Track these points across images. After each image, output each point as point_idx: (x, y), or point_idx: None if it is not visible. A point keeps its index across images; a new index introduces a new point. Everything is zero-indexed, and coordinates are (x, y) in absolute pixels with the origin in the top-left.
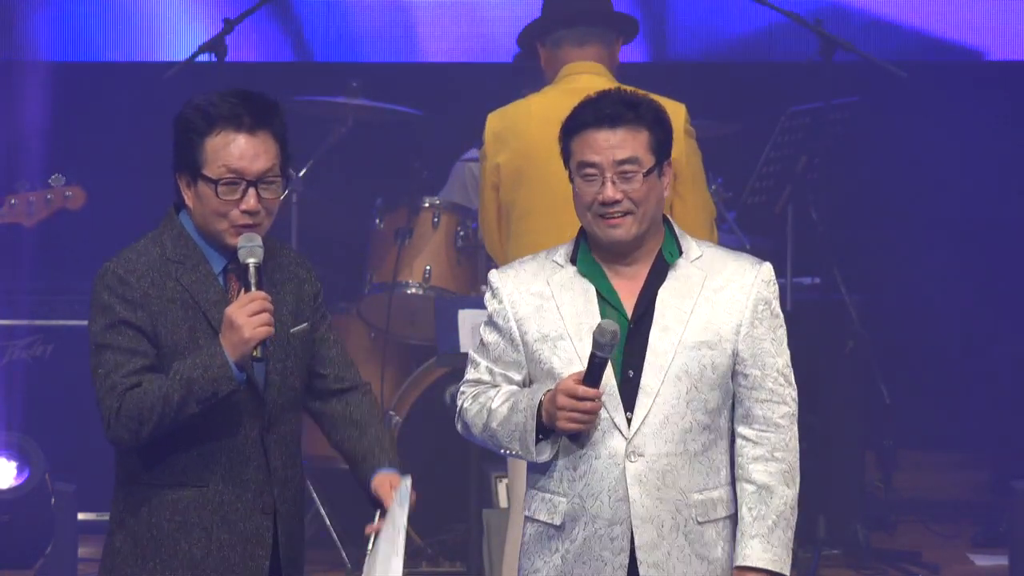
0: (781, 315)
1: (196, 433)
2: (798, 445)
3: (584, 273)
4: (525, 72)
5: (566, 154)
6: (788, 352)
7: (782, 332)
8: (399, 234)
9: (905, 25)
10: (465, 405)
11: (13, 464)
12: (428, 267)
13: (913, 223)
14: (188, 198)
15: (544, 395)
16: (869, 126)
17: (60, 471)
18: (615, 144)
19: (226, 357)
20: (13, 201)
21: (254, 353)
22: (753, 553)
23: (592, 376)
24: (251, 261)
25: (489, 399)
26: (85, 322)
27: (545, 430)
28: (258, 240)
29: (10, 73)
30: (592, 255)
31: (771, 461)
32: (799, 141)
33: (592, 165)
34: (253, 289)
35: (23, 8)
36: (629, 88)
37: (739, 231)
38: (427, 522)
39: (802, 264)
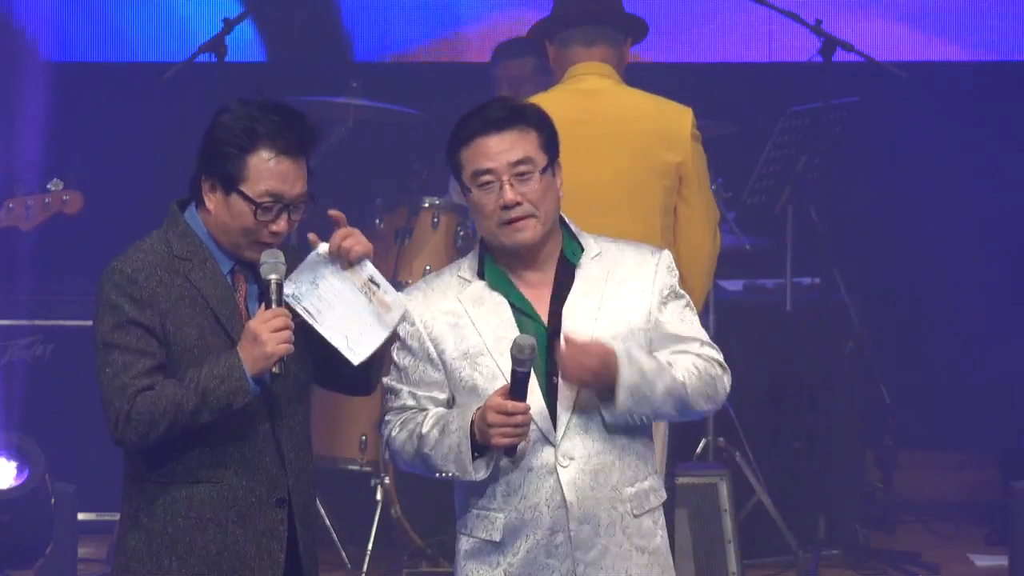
0: (686, 295)
1: (209, 429)
2: (722, 382)
3: (493, 286)
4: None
5: (457, 168)
6: (701, 327)
7: (691, 311)
8: (399, 234)
9: (905, 25)
10: (393, 434)
11: (13, 464)
12: (428, 267)
13: (913, 223)
14: (211, 202)
15: (475, 413)
16: (869, 126)
17: (60, 471)
18: (507, 147)
19: (244, 370)
20: (11, 205)
21: (273, 369)
22: (628, 352)
23: (517, 390)
24: (273, 277)
25: (418, 424)
26: (85, 322)
27: (479, 448)
28: (281, 257)
29: (10, 73)
30: (497, 266)
31: (691, 363)
32: (799, 141)
33: (488, 172)
34: (274, 306)
35: (22, 8)
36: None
37: (739, 231)
38: (427, 522)
39: (802, 264)
